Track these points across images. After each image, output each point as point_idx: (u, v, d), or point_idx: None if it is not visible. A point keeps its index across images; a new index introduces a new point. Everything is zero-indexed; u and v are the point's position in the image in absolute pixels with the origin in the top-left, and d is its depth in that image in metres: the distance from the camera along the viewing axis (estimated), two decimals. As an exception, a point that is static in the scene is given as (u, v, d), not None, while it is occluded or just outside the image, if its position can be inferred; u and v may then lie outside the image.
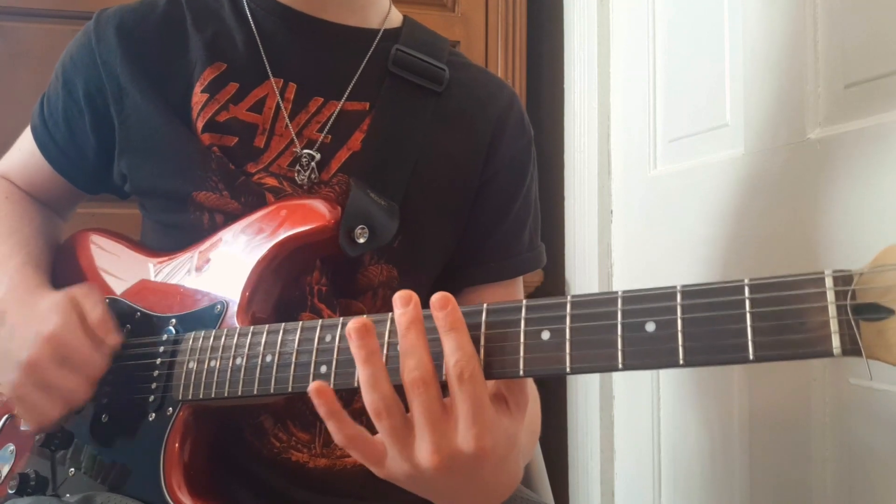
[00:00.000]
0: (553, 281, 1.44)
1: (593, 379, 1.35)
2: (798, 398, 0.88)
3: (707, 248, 1.05)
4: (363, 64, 0.78)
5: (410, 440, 0.50)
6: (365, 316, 0.52)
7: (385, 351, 0.52)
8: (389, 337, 0.53)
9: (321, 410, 0.50)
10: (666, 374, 1.17)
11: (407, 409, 0.50)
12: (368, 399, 0.50)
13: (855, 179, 0.79)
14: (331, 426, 0.51)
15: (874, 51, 0.78)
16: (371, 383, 0.49)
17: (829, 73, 0.84)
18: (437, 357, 0.49)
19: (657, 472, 1.19)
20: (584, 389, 1.38)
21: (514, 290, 0.84)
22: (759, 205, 0.94)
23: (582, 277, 1.39)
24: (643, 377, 1.22)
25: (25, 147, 0.86)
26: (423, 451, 0.49)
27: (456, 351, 0.48)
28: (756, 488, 0.96)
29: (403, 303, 0.50)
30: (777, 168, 0.91)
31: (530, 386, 0.75)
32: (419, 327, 0.50)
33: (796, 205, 0.88)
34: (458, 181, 0.79)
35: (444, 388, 0.50)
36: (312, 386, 0.50)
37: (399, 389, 0.50)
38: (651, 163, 1.22)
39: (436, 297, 0.50)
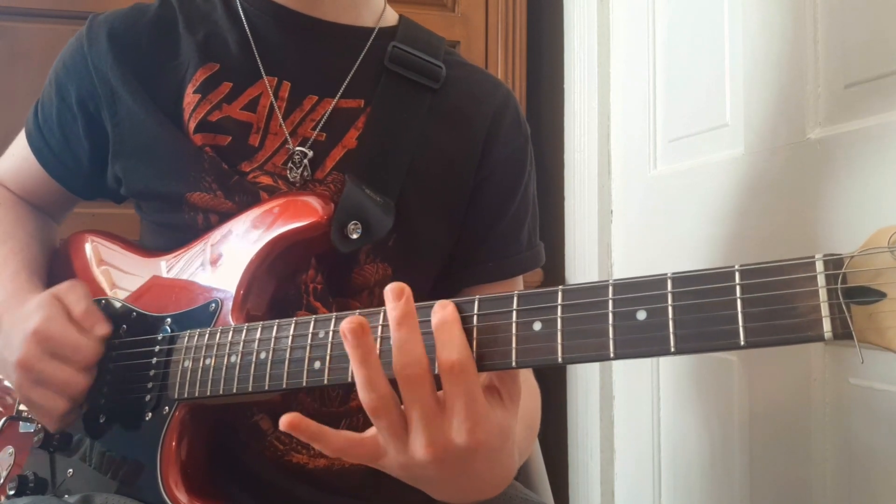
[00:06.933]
0: (553, 280, 1.43)
1: (593, 379, 1.34)
2: (798, 398, 0.88)
3: (707, 248, 1.04)
4: (358, 62, 0.78)
5: (407, 435, 0.50)
6: (358, 312, 0.52)
7: (378, 345, 0.52)
8: (382, 332, 0.53)
9: (303, 437, 0.50)
10: (666, 374, 1.17)
11: (401, 400, 0.50)
12: (365, 399, 0.49)
13: (855, 179, 0.79)
14: (318, 447, 0.51)
15: (874, 51, 0.78)
16: (368, 384, 0.49)
17: (829, 73, 0.84)
18: (430, 350, 0.49)
19: (657, 472, 1.19)
20: (584, 389, 1.38)
21: (514, 290, 0.84)
22: (759, 204, 0.94)
23: (582, 277, 1.39)
24: (643, 377, 1.21)
25: (19, 152, 0.86)
26: (418, 445, 0.49)
27: (448, 345, 0.48)
28: (756, 488, 0.95)
29: (396, 296, 0.50)
30: (777, 168, 0.91)
31: (531, 382, 0.76)
32: (412, 321, 0.49)
33: (796, 205, 0.87)
34: (454, 178, 0.79)
35: (437, 380, 0.49)
36: (284, 421, 0.50)
37: (393, 382, 0.50)
38: (651, 163, 1.22)
39: (437, 303, 0.50)
